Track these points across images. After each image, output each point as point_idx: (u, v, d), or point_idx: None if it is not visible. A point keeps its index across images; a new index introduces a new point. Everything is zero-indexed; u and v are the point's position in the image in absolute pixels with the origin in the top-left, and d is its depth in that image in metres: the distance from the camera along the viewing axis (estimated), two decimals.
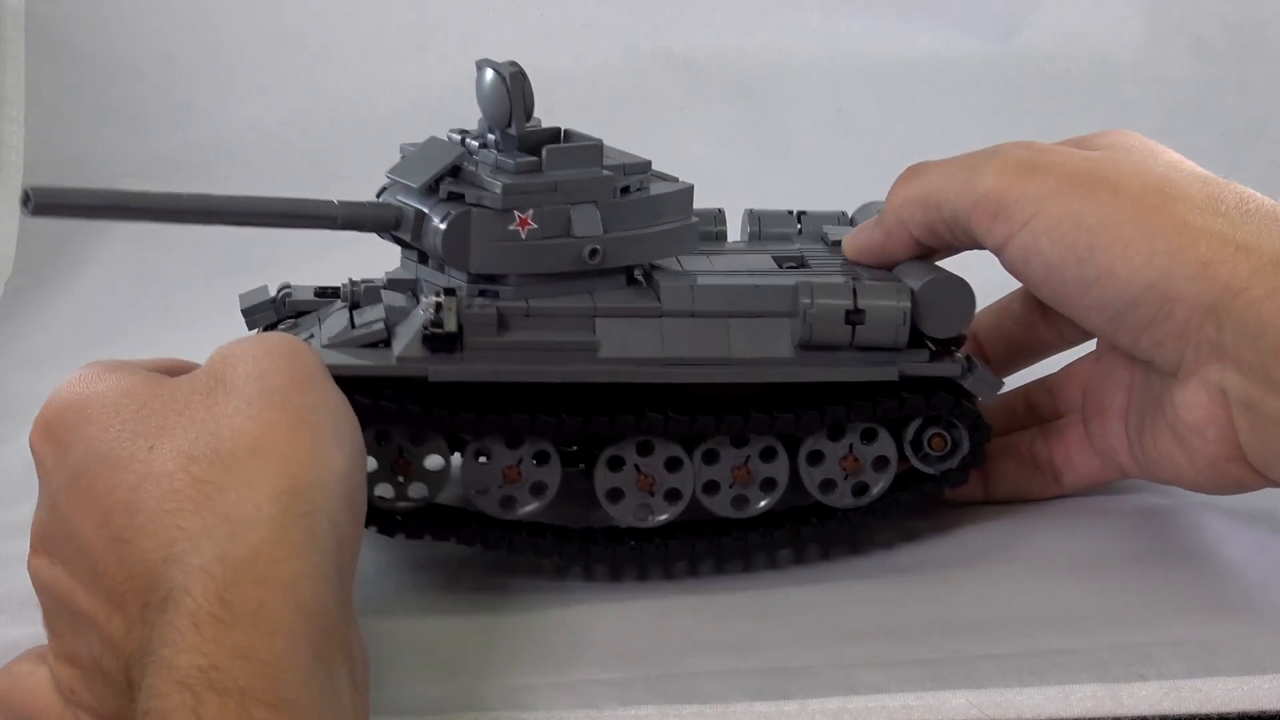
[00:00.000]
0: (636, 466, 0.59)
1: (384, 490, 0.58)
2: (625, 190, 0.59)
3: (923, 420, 0.59)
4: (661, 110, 1.08)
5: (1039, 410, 0.66)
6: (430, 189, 0.58)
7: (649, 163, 0.60)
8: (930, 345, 0.59)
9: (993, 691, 0.52)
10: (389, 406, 0.57)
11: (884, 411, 0.59)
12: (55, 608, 0.50)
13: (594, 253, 0.58)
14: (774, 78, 1.09)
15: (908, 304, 0.58)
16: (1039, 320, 0.65)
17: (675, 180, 0.62)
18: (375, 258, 0.64)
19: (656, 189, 0.60)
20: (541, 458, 0.58)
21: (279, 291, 0.64)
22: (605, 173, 0.58)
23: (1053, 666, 0.53)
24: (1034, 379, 0.67)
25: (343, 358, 0.57)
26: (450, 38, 1.07)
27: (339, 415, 0.50)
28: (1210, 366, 0.55)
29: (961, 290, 0.58)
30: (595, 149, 0.59)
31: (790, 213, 0.67)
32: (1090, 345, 0.65)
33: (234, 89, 1.05)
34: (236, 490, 0.46)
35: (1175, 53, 1.07)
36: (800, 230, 0.66)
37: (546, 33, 1.09)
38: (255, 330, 0.62)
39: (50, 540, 0.49)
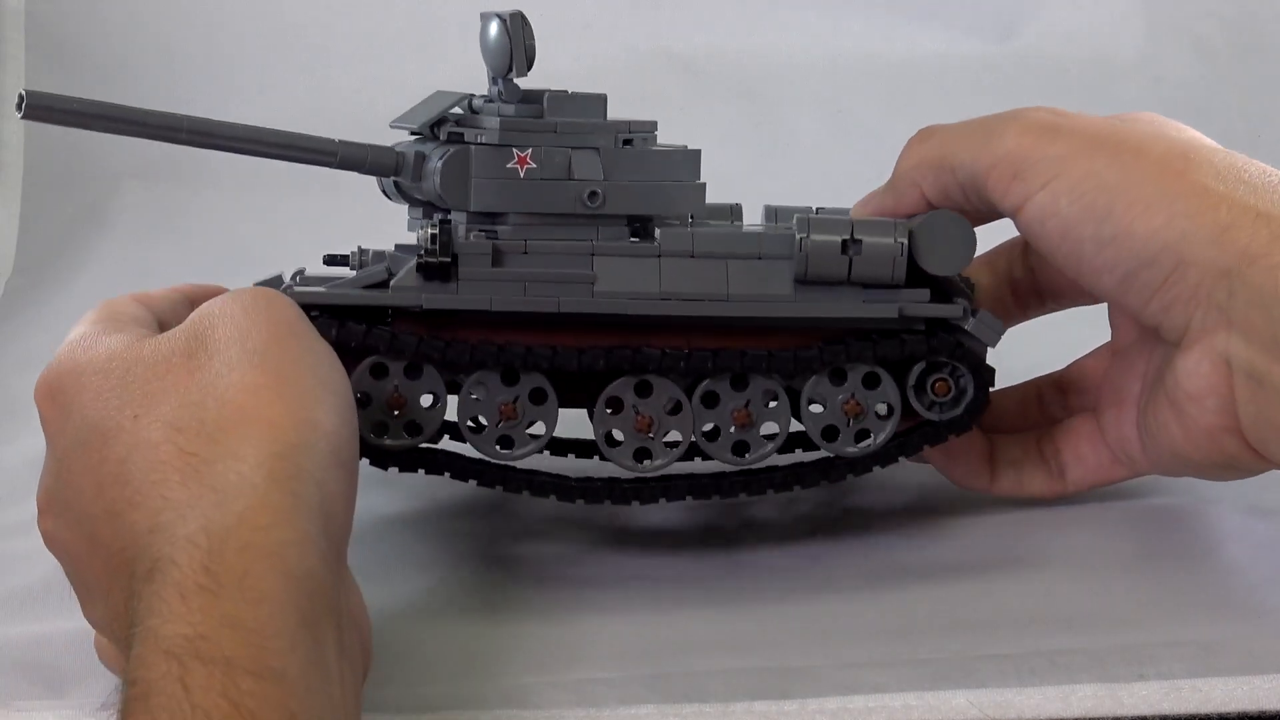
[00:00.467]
0: (635, 409, 0.58)
1: (377, 425, 0.58)
2: (629, 142, 0.59)
3: (926, 366, 0.59)
4: (661, 110, 1.07)
5: (1049, 409, 0.65)
6: (431, 132, 0.58)
7: (655, 123, 0.60)
8: (931, 283, 0.58)
9: (993, 691, 0.52)
10: (382, 332, 0.57)
11: (884, 351, 0.58)
12: (70, 570, 0.50)
13: (593, 195, 0.58)
14: (774, 78, 1.09)
15: (905, 238, 0.57)
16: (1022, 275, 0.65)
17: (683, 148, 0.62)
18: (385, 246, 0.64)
19: (663, 148, 0.60)
20: (538, 396, 0.58)
21: (293, 276, 0.63)
22: (608, 121, 0.59)
23: (1053, 666, 0.53)
24: (1043, 374, 0.67)
25: (339, 291, 0.57)
26: (450, 38, 1.07)
27: (324, 368, 0.50)
28: (1216, 334, 0.54)
29: (960, 226, 0.58)
30: (599, 99, 0.59)
31: (810, 209, 0.67)
32: (1095, 341, 0.65)
33: (234, 89, 1.05)
34: (222, 460, 0.46)
35: (1175, 53, 1.07)
36: None
37: (546, 33, 1.09)
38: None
39: (57, 503, 0.50)
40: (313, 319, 0.54)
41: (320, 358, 0.50)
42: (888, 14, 1.10)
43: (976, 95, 1.06)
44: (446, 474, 0.60)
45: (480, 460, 0.59)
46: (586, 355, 0.57)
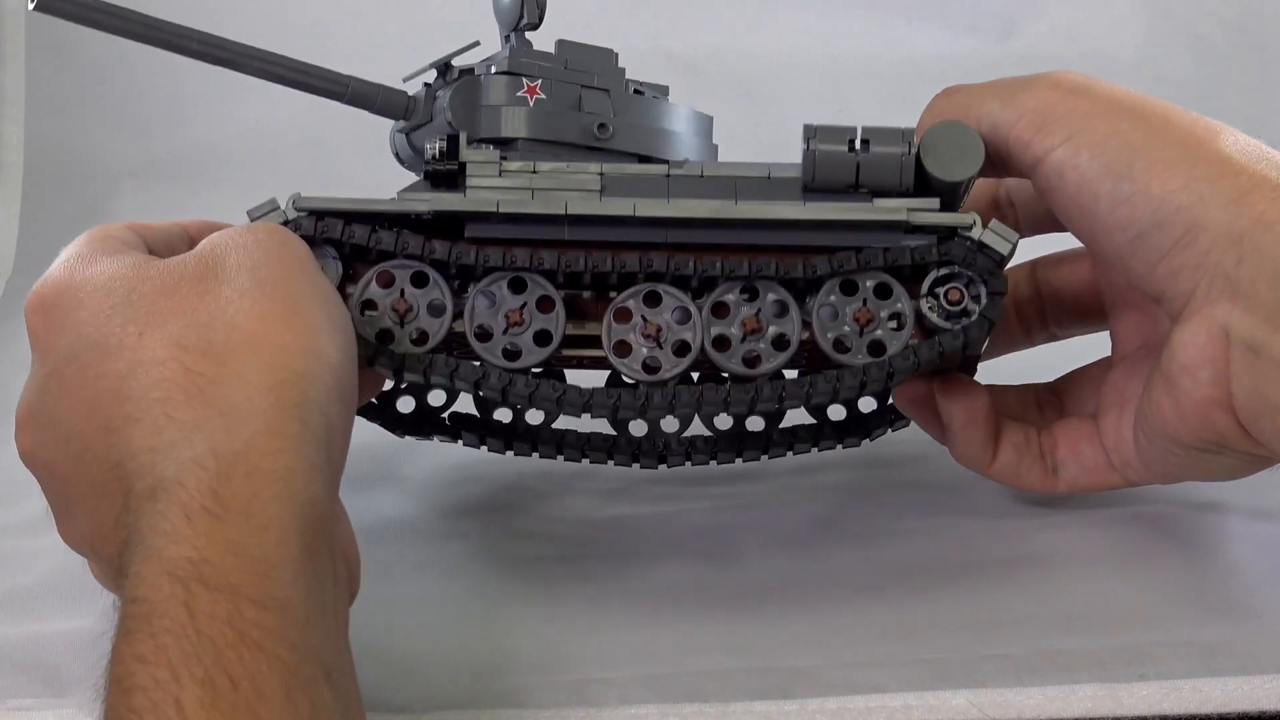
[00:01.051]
0: (643, 317, 0.57)
1: (383, 333, 0.57)
2: (639, 93, 0.59)
3: (938, 276, 0.57)
4: None
5: (1045, 412, 0.65)
6: (443, 69, 0.59)
7: (667, 87, 0.60)
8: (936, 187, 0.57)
9: (993, 691, 0.52)
10: (386, 234, 0.56)
11: (894, 257, 0.57)
12: (49, 487, 0.50)
13: (603, 127, 0.58)
14: (774, 78, 1.09)
15: (912, 144, 0.57)
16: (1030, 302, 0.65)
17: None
18: None
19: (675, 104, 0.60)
20: (545, 304, 0.57)
21: (290, 199, 0.63)
22: (619, 68, 0.59)
23: (1053, 666, 0.53)
24: (1038, 380, 0.67)
25: (346, 198, 0.57)
26: (450, 38, 1.07)
27: (330, 306, 0.50)
28: (1219, 304, 0.53)
29: (967, 134, 0.57)
30: (609, 52, 0.59)
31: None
32: (1094, 351, 0.65)
33: (234, 89, 1.05)
34: (229, 383, 0.46)
35: (1175, 53, 1.07)
36: None
37: (546, 33, 1.09)
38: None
39: (38, 420, 0.49)
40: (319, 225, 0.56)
41: (328, 296, 0.51)
42: (888, 14, 1.10)
43: None
44: (457, 439, 0.59)
45: (490, 421, 0.59)
46: (593, 259, 0.56)
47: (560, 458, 0.62)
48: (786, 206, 0.57)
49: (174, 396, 0.45)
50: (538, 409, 0.57)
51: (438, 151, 0.56)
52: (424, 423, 0.64)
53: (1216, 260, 0.53)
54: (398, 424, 0.64)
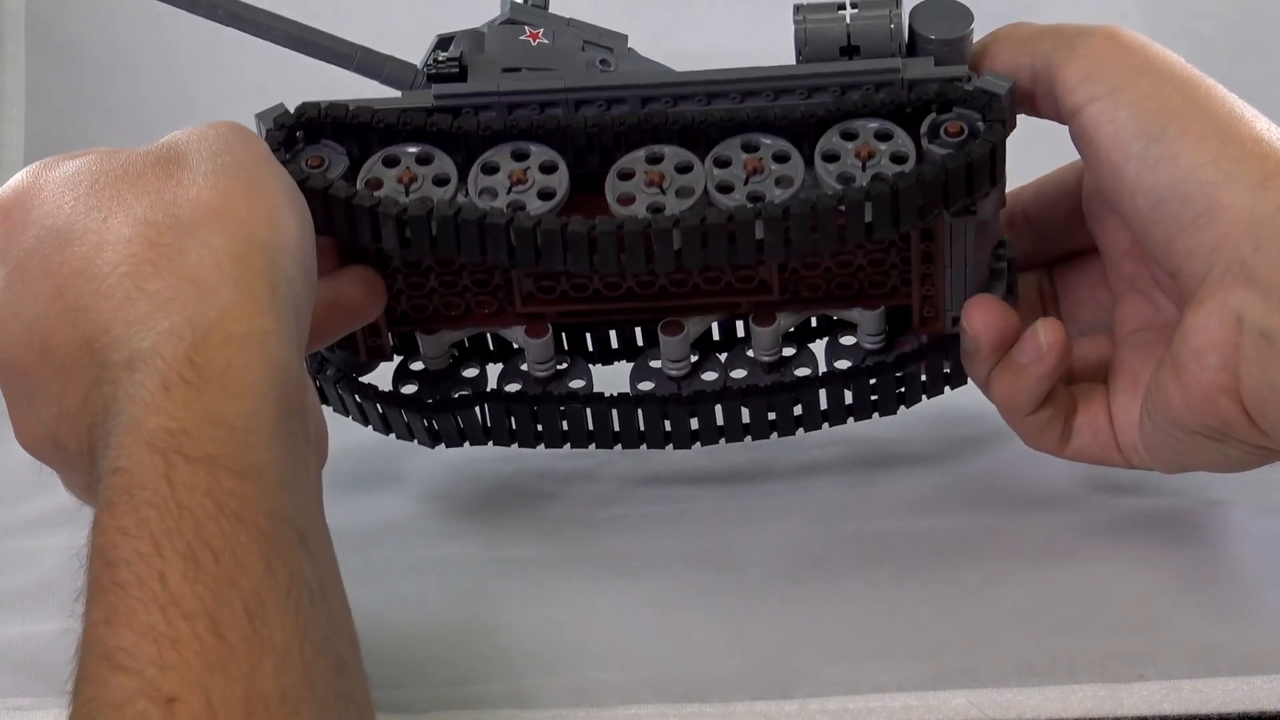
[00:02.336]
0: (646, 171, 0.57)
1: (393, 194, 0.57)
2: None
3: (935, 119, 0.57)
4: None
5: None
6: (445, 42, 0.59)
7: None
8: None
9: (993, 691, 0.52)
10: (389, 113, 0.57)
11: (893, 96, 0.57)
12: (8, 388, 0.50)
13: (605, 61, 0.59)
14: None
15: (900, 8, 0.57)
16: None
17: None
18: None
19: None
20: (548, 167, 0.58)
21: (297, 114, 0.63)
22: (624, 35, 0.60)
23: (1053, 666, 0.53)
24: None
25: (349, 99, 0.58)
26: (457, 22, 1.07)
27: (291, 190, 0.51)
28: (1233, 290, 0.53)
29: (954, 3, 0.58)
30: (621, 36, 0.60)
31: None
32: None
33: (234, 89, 1.05)
34: (196, 250, 0.46)
35: (1175, 53, 1.07)
36: None
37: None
38: None
39: (2, 315, 0.49)
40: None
41: (289, 183, 0.51)
42: None
43: None
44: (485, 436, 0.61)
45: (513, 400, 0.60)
46: (593, 116, 0.57)
47: (591, 445, 0.63)
48: (781, 66, 0.58)
49: (143, 270, 0.46)
50: (546, 264, 0.56)
51: (438, 53, 0.57)
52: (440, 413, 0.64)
53: (1234, 244, 0.53)
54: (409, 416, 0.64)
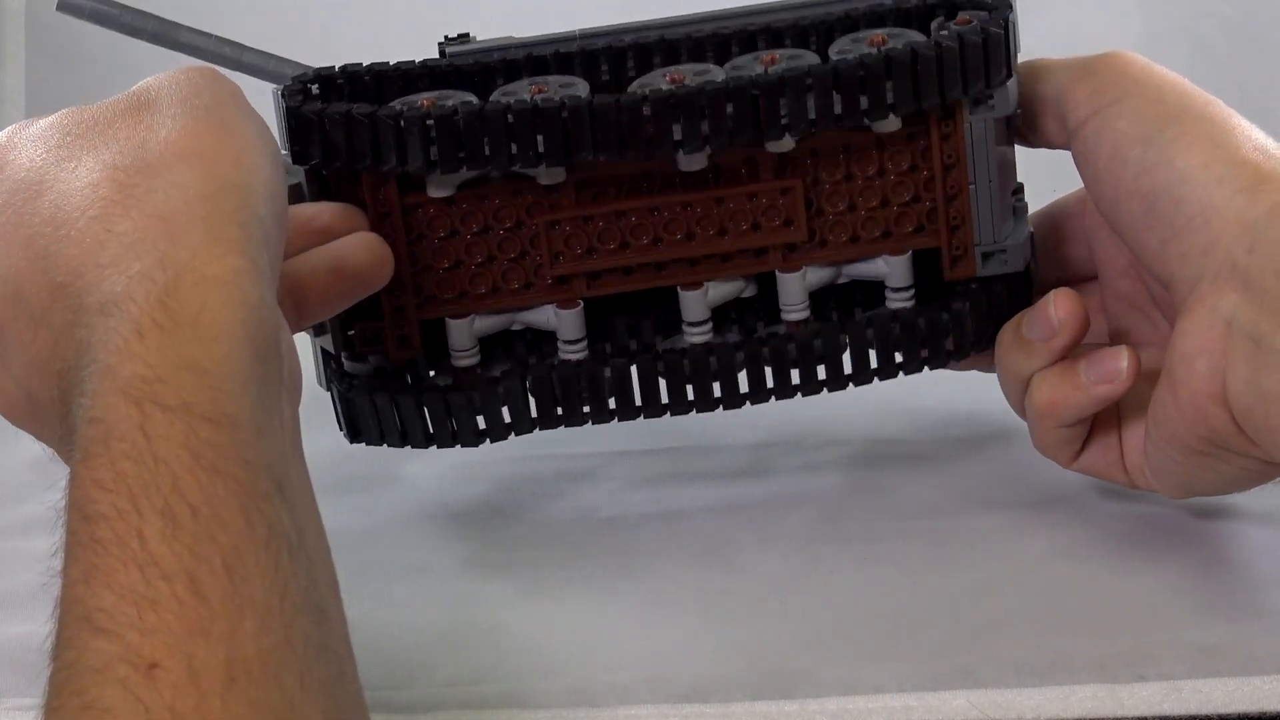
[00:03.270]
0: (665, 75, 0.59)
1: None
2: None
3: (945, 17, 0.59)
4: None
5: None
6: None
7: None
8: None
9: (993, 692, 0.52)
10: (405, 64, 0.60)
11: (900, 2, 0.60)
12: None
13: None
14: None
15: None
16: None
17: None
18: None
19: None
20: (568, 84, 0.59)
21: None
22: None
23: (1053, 667, 0.53)
24: None
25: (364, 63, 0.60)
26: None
27: (264, 133, 0.51)
28: (1224, 294, 0.53)
29: None
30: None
31: None
32: None
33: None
34: (164, 191, 0.46)
35: (1175, 53, 1.07)
36: None
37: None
38: None
39: None
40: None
41: (260, 124, 0.51)
42: None
43: None
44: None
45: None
46: (609, 38, 0.59)
47: (640, 417, 0.62)
48: None
49: (111, 212, 0.46)
50: (573, 140, 0.56)
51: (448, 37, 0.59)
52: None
53: (1226, 247, 0.53)
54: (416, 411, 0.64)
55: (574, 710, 0.52)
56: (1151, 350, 0.60)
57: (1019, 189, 0.62)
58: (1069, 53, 0.60)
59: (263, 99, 0.56)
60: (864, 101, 0.57)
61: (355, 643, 0.53)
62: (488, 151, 0.56)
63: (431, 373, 0.64)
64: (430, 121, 0.56)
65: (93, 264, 0.45)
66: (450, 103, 0.57)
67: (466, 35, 0.61)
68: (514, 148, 0.56)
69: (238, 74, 0.59)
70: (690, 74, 0.58)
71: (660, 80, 0.58)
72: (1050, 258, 0.64)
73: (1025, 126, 0.61)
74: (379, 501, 0.68)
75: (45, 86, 1.05)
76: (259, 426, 0.42)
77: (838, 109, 0.56)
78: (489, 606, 0.59)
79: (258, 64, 0.61)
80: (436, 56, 0.61)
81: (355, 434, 0.63)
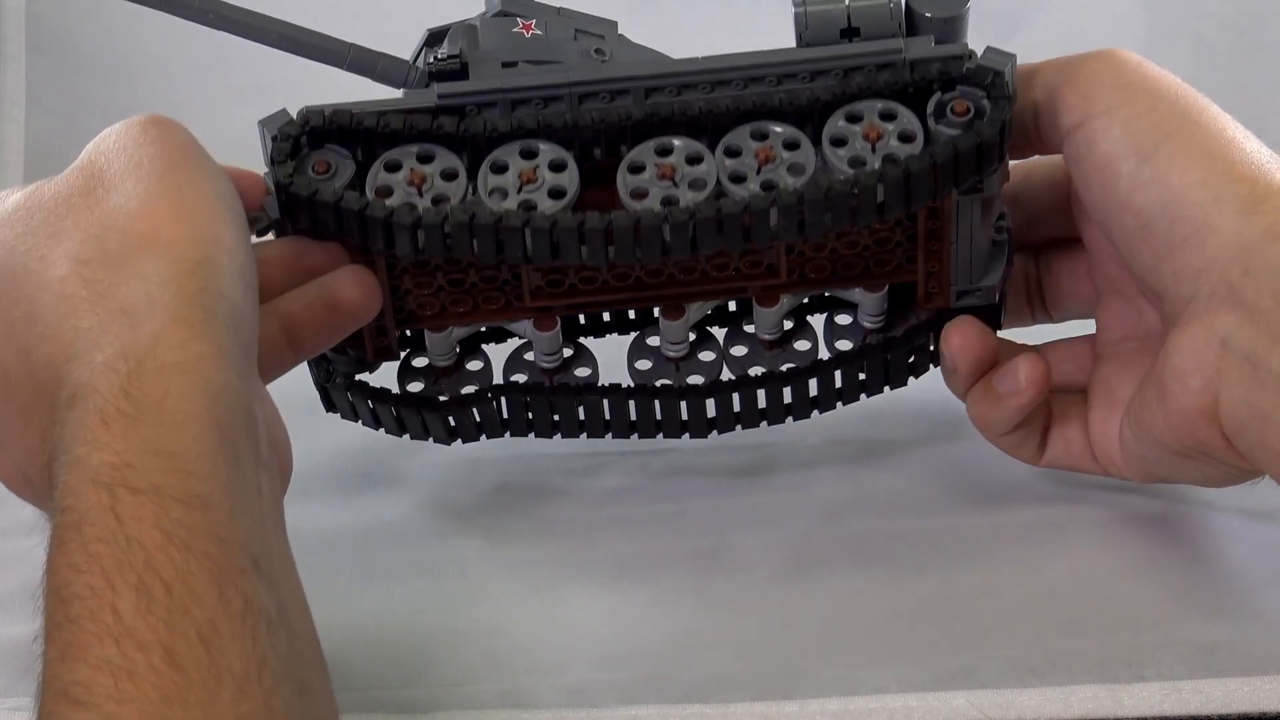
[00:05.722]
0: (657, 164, 0.57)
1: (405, 207, 0.57)
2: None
3: (941, 94, 0.57)
4: None
5: None
6: (438, 37, 0.59)
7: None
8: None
9: (993, 692, 0.52)
10: (395, 116, 0.57)
11: (895, 77, 0.57)
12: None
13: (600, 51, 0.59)
14: None
15: None
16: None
17: None
18: None
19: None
20: (558, 165, 0.57)
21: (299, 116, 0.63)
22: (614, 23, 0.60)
23: (1053, 667, 0.53)
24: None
25: (350, 103, 0.58)
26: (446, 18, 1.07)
27: (221, 190, 0.51)
28: (1220, 313, 0.53)
29: None
30: (611, 23, 0.60)
31: None
32: (1077, 329, 0.65)
33: (234, 89, 1.05)
34: (128, 283, 0.46)
35: (1175, 53, 1.07)
36: None
37: None
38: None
39: None
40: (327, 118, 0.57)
41: (216, 178, 0.51)
42: None
43: None
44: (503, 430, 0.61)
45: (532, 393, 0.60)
46: (600, 110, 0.57)
47: (609, 435, 0.63)
48: (784, 51, 0.58)
49: (79, 309, 0.46)
50: (562, 255, 0.56)
51: (441, 51, 0.57)
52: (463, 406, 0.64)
53: (1222, 267, 0.53)
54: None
55: (574, 710, 0.52)
56: (1127, 344, 0.61)
57: (1002, 215, 0.61)
58: (1069, 52, 0.59)
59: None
60: (856, 214, 0.56)
61: (356, 643, 0.53)
62: (475, 250, 0.56)
63: (410, 358, 0.65)
64: (420, 229, 0.56)
65: (63, 360, 0.45)
66: (436, 191, 0.57)
67: (443, 36, 0.60)
68: (502, 251, 0.56)
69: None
70: (681, 157, 0.57)
71: (651, 159, 0.57)
72: (1038, 218, 0.63)
73: (1015, 138, 0.61)
74: (379, 501, 0.68)
75: (45, 86, 1.05)
76: (231, 506, 0.42)
77: (829, 221, 0.56)
78: (489, 606, 0.59)
79: (243, 20, 0.59)
80: (431, 95, 0.59)
81: (330, 409, 0.65)
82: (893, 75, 0.57)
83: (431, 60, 0.58)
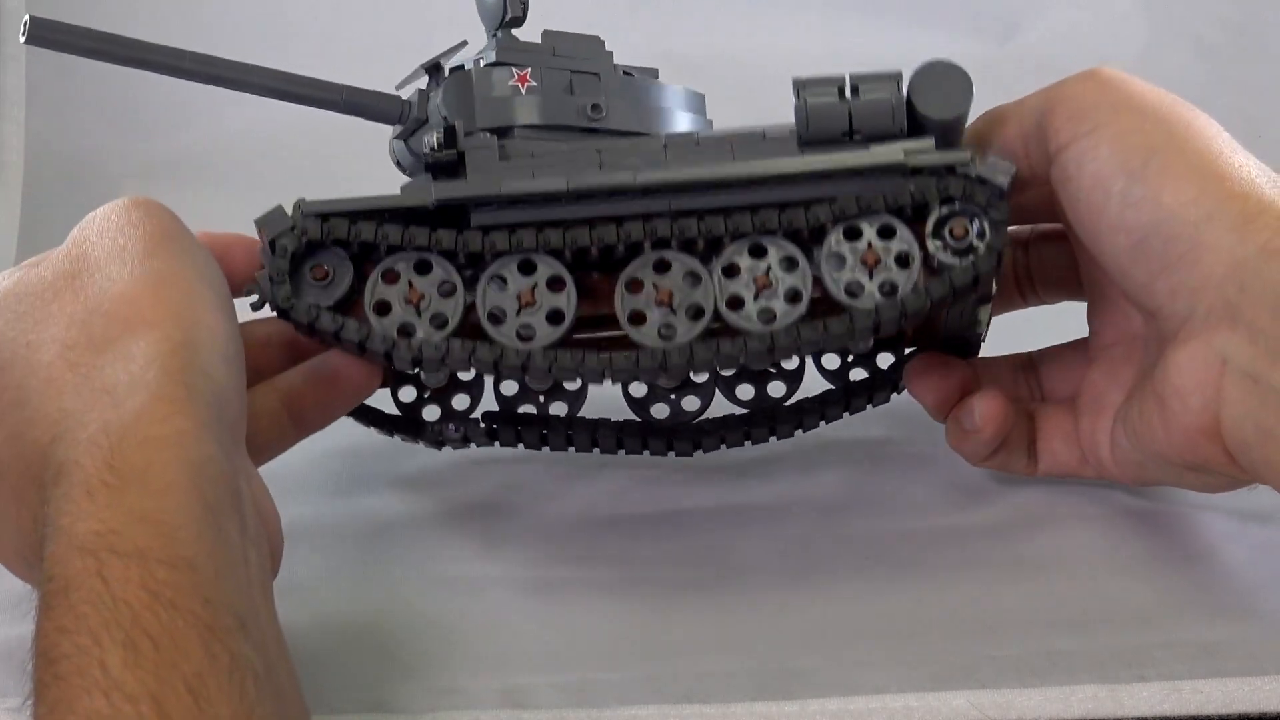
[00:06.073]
0: (655, 285, 0.57)
1: (404, 326, 0.57)
2: (629, 74, 0.59)
3: (940, 215, 0.57)
4: None
5: (1020, 386, 0.65)
6: (434, 68, 0.59)
7: (656, 70, 0.60)
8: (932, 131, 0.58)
9: (993, 692, 0.52)
10: (392, 229, 0.56)
11: (895, 194, 0.57)
12: None
13: (596, 107, 0.58)
14: (774, 78, 1.09)
15: (902, 85, 0.57)
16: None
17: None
18: None
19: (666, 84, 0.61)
20: (555, 283, 0.57)
21: (294, 209, 0.62)
22: (607, 51, 0.59)
23: (1053, 667, 0.53)
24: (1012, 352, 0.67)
25: (348, 198, 0.57)
26: (449, 39, 1.07)
27: (205, 272, 0.51)
28: (1218, 332, 0.53)
29: (956, 71, 0.57)
30: (595, 39, 0.59)
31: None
32: (1067, 333, 0.65)
33: (234, 91, 1.05)
34: (111, 365, 0.47)
35: (1175, 53, 1.07)
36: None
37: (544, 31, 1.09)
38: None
39: None
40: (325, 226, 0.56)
41: (198, 259, 0.52)
42: (888, 14, 1.10)
43: (977, 96, 1.06)
44: (492, 442, 0.61)
45: (515, 416, 0.60)
46: (599, 231, 0.56)
47: (596, 450, 0.64)
48: (784, 161, 0.57)
49: (63, 391, 0.47)
50: (561, 379, 0.58)
51: (436, 143, 0.57)
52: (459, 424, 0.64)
53: (1218, 285, 0.53)
54: (410, 426, 0.65)
55: (574, 710, 0.52)
56: (1116, 349, 0.61)
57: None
58: (1069, 52, 0.60)
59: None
60: (851, 342, 0.57)
61: (355, 643, 0.53)
62: (475, 375, 0.58)
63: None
64: (420, 361, 0.56)
65: (48, 441, 0.46)
66: (434, 308, 0.57)
67: (454, 149, 0.58)
68: (500, 377, 0.58)
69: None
70: (678, 277, 0.57)
71: (648, 277, 0.57)
72: (1024, 213, 0.63)
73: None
74: (380, 502, 0.68)
75: (45, 86, 1.05)
76: (216, 569, 0.43)
77: (823, 347, 0.57)
78: (488, 607, 0.59)
79: (233, 76, 0.60)
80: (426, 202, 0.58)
81: None
82: (893, 191, 0.57)
83: (428, 151, 0.56)
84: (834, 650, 0.55)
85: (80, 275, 0.50)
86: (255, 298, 0.57)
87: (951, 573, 0.60)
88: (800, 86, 0.57)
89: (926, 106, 0.57)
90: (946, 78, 0.57)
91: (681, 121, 0.61)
